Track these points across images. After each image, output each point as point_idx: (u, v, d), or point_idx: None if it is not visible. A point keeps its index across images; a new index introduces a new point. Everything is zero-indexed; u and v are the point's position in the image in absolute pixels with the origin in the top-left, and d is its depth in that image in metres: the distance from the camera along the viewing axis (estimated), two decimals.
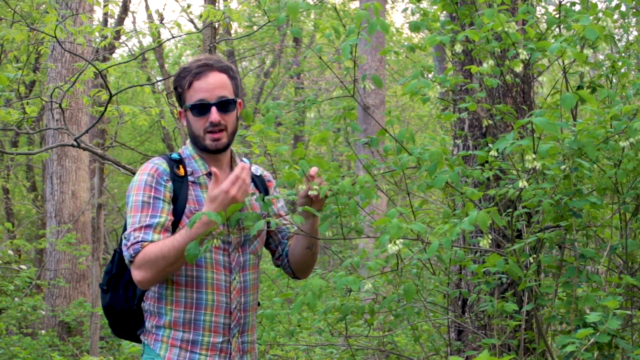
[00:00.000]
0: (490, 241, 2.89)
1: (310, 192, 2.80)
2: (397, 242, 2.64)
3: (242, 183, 2.78)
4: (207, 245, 2.66)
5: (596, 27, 2.91)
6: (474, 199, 3.20)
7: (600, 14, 3.06)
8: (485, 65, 3.29)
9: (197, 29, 12.16)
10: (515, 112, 3.66)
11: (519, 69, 3.27)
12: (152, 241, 2.81)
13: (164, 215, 2.87)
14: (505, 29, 3.10)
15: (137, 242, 2.81)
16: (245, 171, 2.79)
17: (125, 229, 3.05)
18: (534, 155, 2.85)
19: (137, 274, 2.82)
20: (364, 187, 2.81)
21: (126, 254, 2.83)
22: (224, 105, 2.94)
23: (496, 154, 2.96)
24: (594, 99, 2.95)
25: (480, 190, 3.59)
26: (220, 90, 2.94)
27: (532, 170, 3.07)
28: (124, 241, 2.85)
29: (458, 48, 3.41)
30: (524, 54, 3.19)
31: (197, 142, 2.99)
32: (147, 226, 2.83)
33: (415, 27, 3.58)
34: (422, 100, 3.25)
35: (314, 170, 2.83)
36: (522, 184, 2.94)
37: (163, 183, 2.91)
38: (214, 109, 2.92)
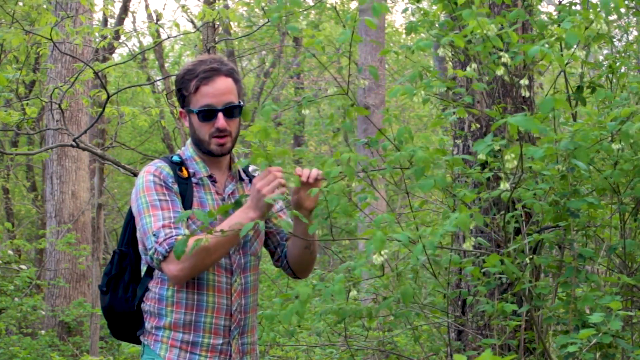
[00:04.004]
0: (473, 243, 2.88)
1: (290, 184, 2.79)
2: (382, 252, 2.63)
3: (271, 178, 2.77)
4: (197, 243, 2.64)
5: (576, 31, 2.90)
6: (467, 201, 3.20)
7: (592, 16, 3.05)
8: (468, 69, 3.27)
9: (197, 28, 12.16)
10: (497, 113, 3.65)
11: (500, 71, 3.25)
12: (185, 235, 2.78)
13: (183, 212, 2.87)
14: (486, 32, 3.08)
15: (171, 237, 2.79)
16: (277, 168, 2.78)
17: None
18: (512, 155, 2.85)
19: (173, 268, 2.79)
20: (349, 167, 2.79)
21: (160, 249, 2.79)
22: (230, 111, 2.94)
23: (484, 158, 2.94)
24: (564, 102, 2.94)
25: (480, 190, 3.59)
26: (227, 95, 2.93)
27: (520, 172, 3.06)
28: (152, 238, 2.81)
29: (441, 52, 3.40)
30: (506, 57, 3.18)
31: (200, 146, 2.98)
32: (175, 222, 2.83)
33: (411, 29, 3.57)
34: (423, 100, 3.24)
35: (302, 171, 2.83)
36: (503, 185, 2.93)
37: (170, 185, 2.91)
38: (220, 114, 2.92)
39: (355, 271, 2.97)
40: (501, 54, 3.18)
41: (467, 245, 2.92)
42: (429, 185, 2.92)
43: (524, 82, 3.20)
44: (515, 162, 2.87)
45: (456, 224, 2.61)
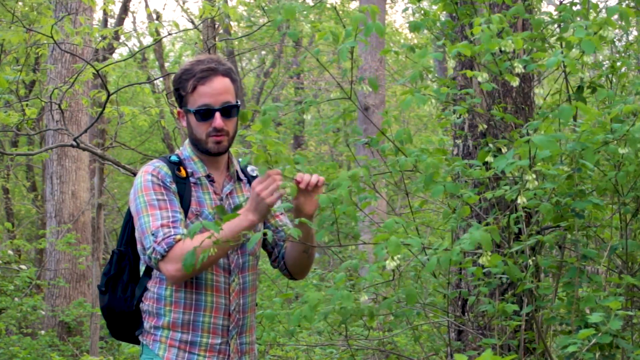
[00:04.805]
0: (489, 256, 2.87)
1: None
2: (395, 258, 2.62)
3: (271, 182, 2.76)
4: (204, 254, 2.65)
5: (593, 39, 2.90)
6: (471, 202, 3.19)
7: (598, 18, 3.04)
8: (480, 78, 3.27)
9: (195, 26, 12.14)
10: (499, 114, 3.64)
11: (515, 83, 3.24)
12: (183, 235, 2.79)
13: (182, 212, 2.88)
14: (502, 48, 3.08)
15: (169, 236, 2.79)
16: (276, 171, 2.78)
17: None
18: (534, 176, 2.85)
19: (171, 268, 2.78)
20: (356, 181, 2.79)
21: (158, 248, 2.79)
22: (228, 111, 2.94)
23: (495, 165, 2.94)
24: (587, 108, 2.93)
25: (480, 191, 3.59)
26: (225, 95, 2.93)
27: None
28: (151, 237, 2.81)
29: (452, 64, 3.39)
30: (519, 68, 3.17)
31: (198, 145, 2.99)
32: (174, 221, 2.83)
33: (414, 27, 3.57)
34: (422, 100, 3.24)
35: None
36: (520, 200, 2.92)
37: (168, 184, 2.91)
38: (217, 114, 2.92)
39: (367, 276, 2.96)
40: (515, 64, 3.18)
41: (483, 260, 2.89)
42: (439, 191, 2.92)
43: (539, 90, 3.19)
44: (537, 183, 2.86)
45: (476, 242, 2.59)
